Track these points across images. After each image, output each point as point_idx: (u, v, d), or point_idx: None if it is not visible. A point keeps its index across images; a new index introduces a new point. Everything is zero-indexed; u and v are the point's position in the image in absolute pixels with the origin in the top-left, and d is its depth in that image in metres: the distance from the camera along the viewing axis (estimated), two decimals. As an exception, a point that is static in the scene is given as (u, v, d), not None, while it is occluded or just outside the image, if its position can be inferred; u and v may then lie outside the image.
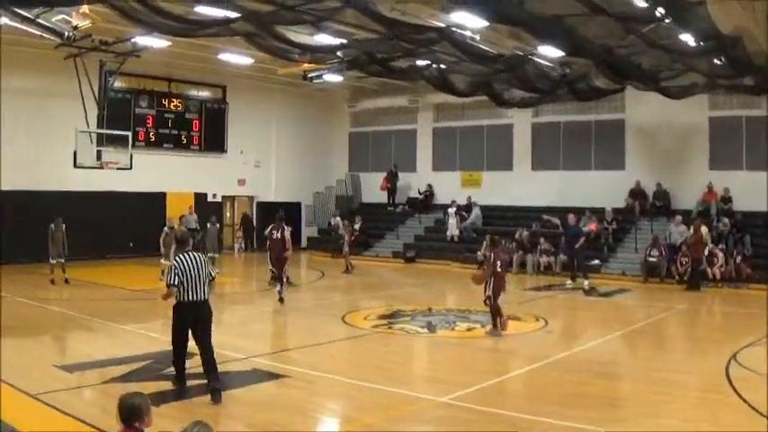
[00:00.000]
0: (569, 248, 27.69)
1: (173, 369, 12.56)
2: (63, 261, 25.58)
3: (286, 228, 22.77)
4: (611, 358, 15.88)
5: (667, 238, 29.55)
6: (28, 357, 14.31)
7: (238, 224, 41.29)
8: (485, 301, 17.55)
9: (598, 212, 31.75)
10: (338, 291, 26.50)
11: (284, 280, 22.68)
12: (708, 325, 21.94)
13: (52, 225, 25.64)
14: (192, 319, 11.88)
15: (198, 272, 11.77)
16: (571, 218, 27.71)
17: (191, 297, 11.74)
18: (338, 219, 38.17)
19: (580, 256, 27.45)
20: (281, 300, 22.05)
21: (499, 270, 17.62)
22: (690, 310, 23.15)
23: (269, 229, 23.02)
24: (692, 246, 27.41)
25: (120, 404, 6.04)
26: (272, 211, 37.27)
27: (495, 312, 17.44)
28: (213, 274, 12.32)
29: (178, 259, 11.92)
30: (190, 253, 12.11)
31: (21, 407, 10.88)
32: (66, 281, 25.58)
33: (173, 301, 12.00)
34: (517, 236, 32.65)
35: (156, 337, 16.47)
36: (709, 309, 24.35)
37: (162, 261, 26.97)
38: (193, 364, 13.04)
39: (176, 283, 11.68)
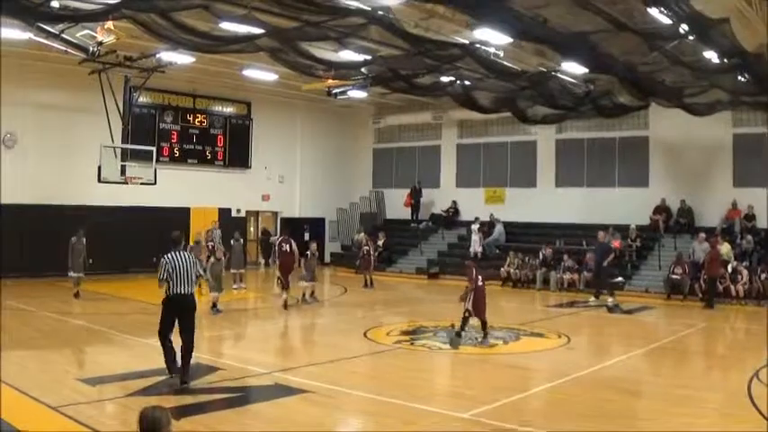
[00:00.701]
0: (598, 265, 27.68)
1: (194, 383, 12.97)
2: (82, 275, 25.82)
3: (293, 241, 25.51)
4: (633, 375, 15.79)
5: (691, 256, 29.40)
6: (50, 370, 14.38)
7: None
8: (464, 314, 18.84)
9: (622, 229, 31.61)
10: (361, 306, 26.47)
11: (289, 287, 24.82)
12: (730, 342, 21.78)
13: (73, 238, 25.81)
14: (179, 310, 13.47)
15: (185, 269, 13.36)
16: (601, 234, 27.70)
17: (178, 290, 13.32)
18: (361, 235, 38.18)
19: (606, 273, 27.42)
20: (286, 306, 24.29)
21: (480, 284, 18.90)
22: (712, 328, 23.00)
23: (278, 242, 25.80)
24: (709, 263, 27.26)
25: (140, 417, 5.98)
26: (296, 227, 37.70)
27: (484, 324, 18.85)
28: (201, 273, 14.27)
29: (168, 258, 13.41)
30: (180, 252, 13.65)
31: (43, 419, 10.94)
32: (78, 294, 25.69)
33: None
34: (541, 253, 32.54)
35: (178, 350, 16.51)
36: (732, 326, 24.18)
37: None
38: (217, 378, 13.12)
39: (165, 278, 13.31)
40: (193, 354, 13.66)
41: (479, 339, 18.70)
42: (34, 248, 29.70)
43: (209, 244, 29.28)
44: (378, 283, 31.83)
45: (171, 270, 13.29)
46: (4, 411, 10.86)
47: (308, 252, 26.48)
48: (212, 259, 23.88)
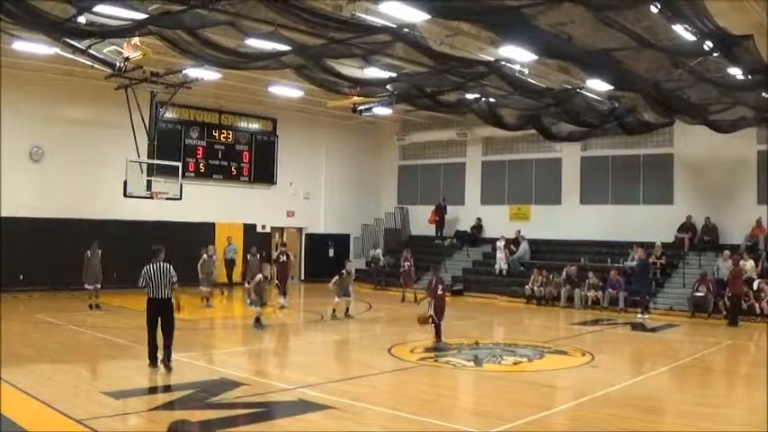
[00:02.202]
0: (640, 281, 28.30)
1: (218, 398, 13.14)
2: (99, 287, 26.13)
3: (289, 254, 29.93)
4: (657, 393, 15.72)
5: (715, 273, 29.27)
6: (75, 383, 14.44)
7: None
8: (428, 320, 20.86)
9: (647, 247, 31.47)
10: (385, 323, 26.46)
11: (287, 293, 28.46)
12: (755, 360, 21.61)
13: (88, 252, 26.07)
14: (157, 310, 15.90)
15: (160, 277, 15.79)
16: (641, 252, 27.78)
17: (154, 294, 15.83)
18: (378, 251, 38.28)
19: (645, 289, 28.27)
20: (283, 307, 27.61)
21: (440, 293, 20.94)
22: (736, 346, 22.85)
23: (276, 254, 30.29)
24: (732, 281, 27.08)
25: (168, 431, 5.92)
26: (321, 243, 37.95)
27: (438, 329, 20.76)
28: (174, 280, 15.99)
29: (146, 268, 15.92)
30: (157, 263, 16.00)
31: (65, 431, 11.01)
32: (98, 306, 26.09)
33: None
34: (564, 270, 32.47)
35: (202, 365, 16.63)
36: (756, 344, 24.02)
37: (201, 288, 27.32)
38: (240, 393, 13.19)
39: (144, 285, 15.86)
40: (209, 365, 13.61)
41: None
42: (60, 262, 29.84)
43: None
44: (399, 300, 31.97)
45: (148, 278, 15.81)
46: (30, 424, 10.95)
47: (344, 270, 26.73)
48: (259, 276, 23.86)
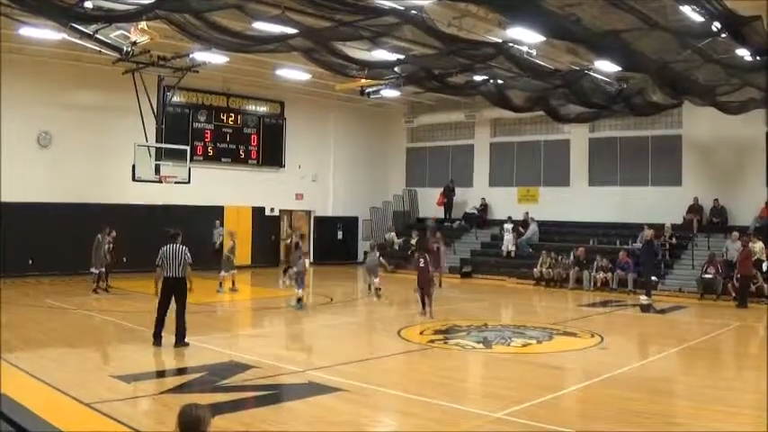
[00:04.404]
0: (647, 264, 28.35)
1: (228, 381, 13.28)
2: (104, 270, 26.34)
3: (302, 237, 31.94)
4: (665, 375, 15.74)
5: (724, 255, 29.24)
6: (85, 367, 14.52)
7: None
8: (414, 290, 23.08)
9: (656, 228, 31.42)
10: (394, 305, 26.46)
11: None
12: (763, 343, 21.60)
13: (99, 235, 26.25)
14: (171, 289, 16.88)
15: (173, 258, 16.78)
16: (650, 233, 27.75)
17: (168, 274, 16.83)
18: (392, 234, 38.21)
19: (651, 271, 28.13)
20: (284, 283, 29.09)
21: (421, 266, 22.80)
22: (745, 327, 22.88)
23: (288, 239, 31.52)
24: (741, 262, 27.00)
25: (180, 414, 5.88)
26: (330, 226, 38.03)
27: (422, 298, 22.66)
28: (189, 261, 17.00)
29: (164, 248, 16.87)
30: (173, 245, 16.94)
31: (78, 416, 11.02)
32: (107, 290, 26.38)
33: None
34: (572, 253, 32.46)
35: (212, 348, 16.68)
36: (765, 325, 24.00)
37: (222, 273, 27.40)
38: (251, 376, 13.24)
39: (160, 263, 16.83)
40: (219, 349, 13.69)
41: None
42: (69, 247, 29.92)
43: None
44: (410, 282, 31.96)
45: (164, 258, 16.81)
46: (40, 408, 11.02)
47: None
48: (305, 262, 24.91)
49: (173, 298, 16.89)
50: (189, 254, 17.13)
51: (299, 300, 24.04)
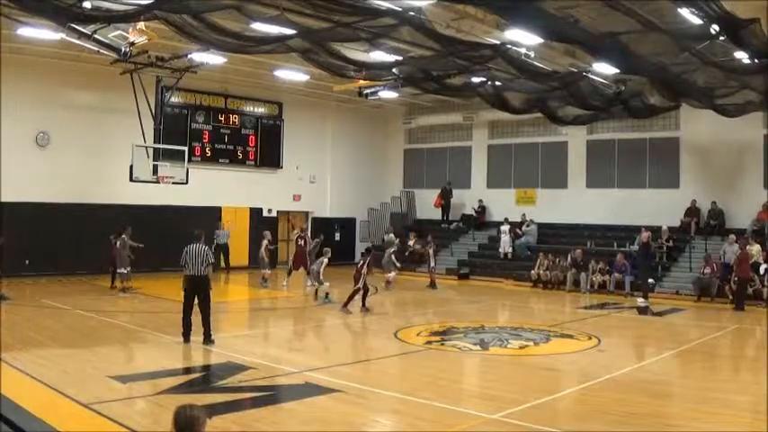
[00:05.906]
0: (644, 266, 28.17)
1: (225, 382, 13.43)
2: (123, 271, 26.45)
3: (308, 236, 32.49)
4: (663, 378, 15.74)
5: (721, 257, 29.22)
6: (82, 368, 14.49)
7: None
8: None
9: (653, 231, 31.44)
10: (391, 306, 26.47)
11: (291, 274, 31.13)
12: (760, 344, 21.60)
13: (124, 235, 26.66)
14: (193, 287, 17.25)
15: (196, 257, 17.17)
16: (644, 235, 27.73)
17: (191, 272, 17.19)
18: (391, 235, 38.22)
19: (647, 274, 27.95)
20: (286, 285, 30.10)
21: (360, 269, 23.76)
22: (742, 330, 22.85)
23: (296, 237, 31.89)
24: (738, 265, 26.96)
25: (176, 415, 5.92)
26: (327, 227, 38.08)
27: (349, 298, 23.65)
28: (211, 260, 17.52)
29: (187, 248, 17.37)
30: (196, 244, 17.41)
31: (74, 417, 11.02)
32: (125, 290, 26.34)
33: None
34: (569, 255, 32.45)
35: (209, 349, 16.68)
36: (762, 328, 23.95)
37: (264, 270, 29.77)
38: (247, 377, 13.24)
39: (183, 263, 17.23)
40: (216, 349, 13.71)
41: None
42: (66, 247, 29.93)
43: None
44: (408, 283, 31.93)
45: (188, 257, 17.23)
46: (37, 409, 11.02)
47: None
48: (325, 260, 26.22)
49: (195, 297, 17.30)
50: (211, 254, 17.77)
51: (327, 294, 25.89)
